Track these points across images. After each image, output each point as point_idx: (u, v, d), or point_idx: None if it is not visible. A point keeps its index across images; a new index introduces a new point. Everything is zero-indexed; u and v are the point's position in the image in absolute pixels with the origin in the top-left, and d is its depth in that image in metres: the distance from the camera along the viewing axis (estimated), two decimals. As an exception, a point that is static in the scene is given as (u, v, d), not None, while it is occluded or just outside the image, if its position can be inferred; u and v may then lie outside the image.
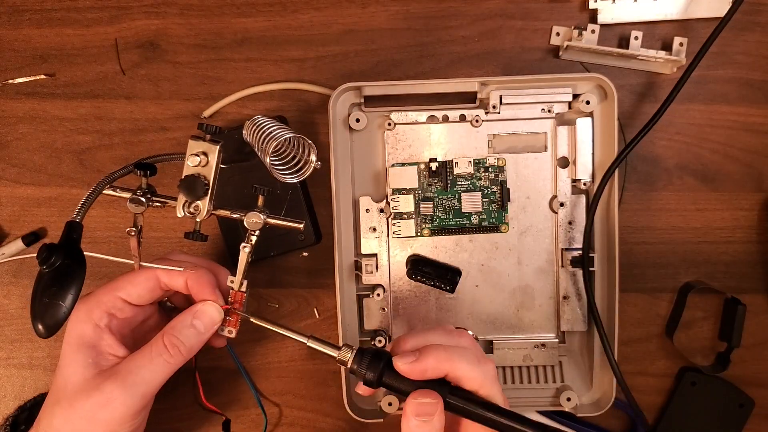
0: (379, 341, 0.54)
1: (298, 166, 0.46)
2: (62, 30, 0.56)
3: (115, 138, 0.57)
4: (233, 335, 0.46)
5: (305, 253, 0.57)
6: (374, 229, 0.54)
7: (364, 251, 0.55)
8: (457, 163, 0.53)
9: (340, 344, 0.43)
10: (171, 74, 0.56)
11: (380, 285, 0.55)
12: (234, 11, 0.56)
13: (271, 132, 0.44)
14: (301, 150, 0.47)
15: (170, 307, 0.51)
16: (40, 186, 0.57)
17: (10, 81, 0.57)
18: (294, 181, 0.46)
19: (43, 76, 0.56)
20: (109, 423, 0.41)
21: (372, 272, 0.54)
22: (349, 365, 0.42)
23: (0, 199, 0.58)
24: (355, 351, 0.42)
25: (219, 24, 0.56)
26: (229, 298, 0.46)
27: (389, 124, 0.53)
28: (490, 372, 0.41)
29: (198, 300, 0.45)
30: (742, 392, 0.56)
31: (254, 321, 0.45)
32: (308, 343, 0.43)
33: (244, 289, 0.46)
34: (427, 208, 0.54)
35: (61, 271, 0.41)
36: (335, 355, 0.42)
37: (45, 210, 0.58)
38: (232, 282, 0.46)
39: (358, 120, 0.53)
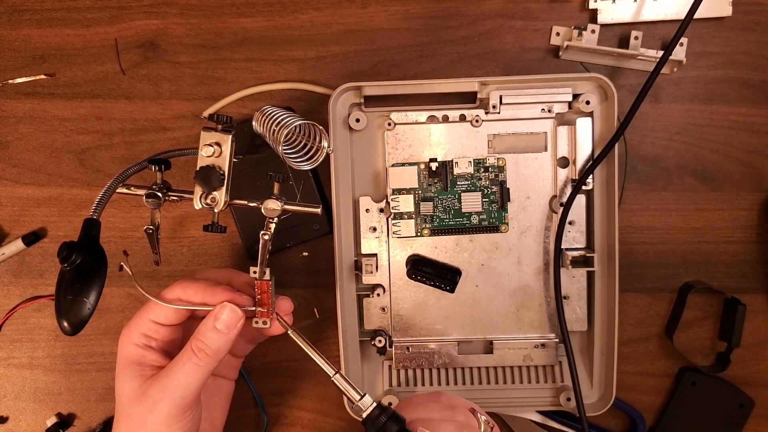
0: (379, 341, 0.54)
1: (311, 153, 0.46)
2: (62, 30, 0.56)
3: (115, 138, 0.57)
4: (269, 326, 0.46)
5: (305, 254, 0.57)
6: (374, 229, 0.55)
7: (364, 251, 0.55)
8: (457, 163, 0.53)
9: (363, 391, 0.43)
10: (171, 74, 0.56)
11: (380, 285, 0.55)
12: (234, 11, 0.56)
13: (281, 120, 0.44)
14: (312, 136, 0.47)
15: None
16: (40, 186, 0.57)
17: (10, 81, 0.57)
18: (307, 167, 0.46)
19: (43, 76, 0.56)
20: (158, 425, 0.43)
21: (372, 272, 0.54)
22: (364, 416, 0.42)
23: (0, 199, 0.58)
24: (374, 405, 0.42)
25: (219, 24, 0.56)
26: (255, 290, 0.46)
27: (389, 124, 0.53)
28: None
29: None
30: (742, 392, 0.56)
31: (291, 335, 0.46)
32: (333, 378, 0.44)
33: (267, 277, 0.46)
34: (427, 208, 0.54)
35: (82, 269, 0.42)
36: (354, 400, 0.43)
37: (45, 210, 0.58)
38: (254, 273, 0.45)
39: (358, 120, 0.53)
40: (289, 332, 0.46)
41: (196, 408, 0.45)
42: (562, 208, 0.54)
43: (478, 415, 0.44)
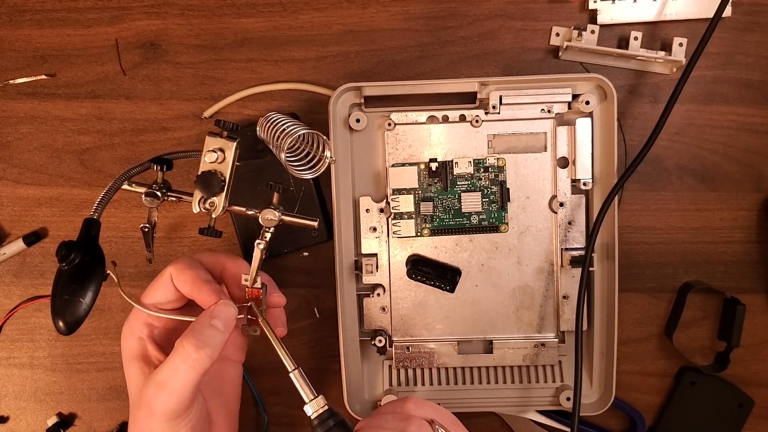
0: (379, 341, 0.54)
1: (313, 162, 0.47)
2: (63, 30, 0.56)
3: (116, 138, 0.57)
4: (258, 333, 0.46)
5: (305, 253, 0.57)
6: (374, 229, 0.55)
7: (364, 251, 0.55)
8: (457, 163, 0.54)
9: (318, 393, 0.43)
10: (171, 74, 0.56)
11: (380, 285, 0.55)
12: (234, 12, 0.56)
13: (285, 129, 0.44)
14: (315, 146, 0.47)
15: None
16: (41, 186, 0.57)
17: (11, 81, 0.57)
18: (309, 176, 0.46)
19: (44, 77, 0.57)
20: (160, 430, 0.42)
21: (372, 272, 0.54)
22: (312, 417, 0.42)
23: (1, 199, 0.58)
24: (324, 409, 0.42)
25: (219, 24, 0.56)
26: (246, 296, 0.46)
27: (389, 125, 0.53)
28: None
29: (201, 303, 0.45)
30: (742, 392, 0.56)
31: (261, 324, 0.45)
32: (291, 374, 0.44)
33: (258, 285, 0.46)
34: (427, 208, 0.54)
35: (80, 268, 0.42)
36: (306, 399, 0.43)
37: (46, 210, 0.58)
38: (246, 280, 0.45)
39: (358, 120, 0.53)
40: (259, 320, 0.45)
41: (197, 404, 0.43)
42: (561, 208, 0.54)
43: (436, 426, 0.42)
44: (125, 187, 0.46)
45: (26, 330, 0.59)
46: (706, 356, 0.57)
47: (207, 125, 0.56)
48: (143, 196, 0.46)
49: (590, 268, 0.53)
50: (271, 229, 0.45)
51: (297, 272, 0.58)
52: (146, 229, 0.47)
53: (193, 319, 0.43)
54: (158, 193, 0.46)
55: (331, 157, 0.46)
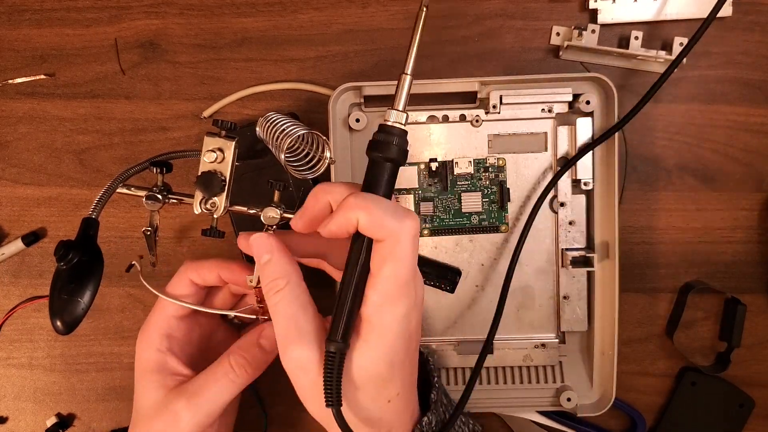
0: (379, 341, 0.54)
1: (313, 162, 0.47)
2: (62, 30, 0.56)
3: (115, 138, 0.57)
4: None
5: (305, 253, 0.57)
6: (374, 229, 0.54)
7: (364, 251, 0.55)
8: (457, 163, 0.53)
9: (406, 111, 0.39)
10: (171, 74, 0.56)
11: (380, 285, 0.55)
12: (234, 11, 0.56)
13: (284, 129, 0.44)
14: (315, 146, 0.47)
15: (238, 323, 0.51)
16: (40, 186, 0.57)
17: (10, 81, 0.57)
18: (309, 176, 0.46)
19: (43, 76, 0.56)
20: None
21: (372, 272, 0.54)
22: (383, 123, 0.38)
23: (0, 199, 0.58)
24: (401, 127, 0.38)
25: (219, 24, 0.56)
26: (256, 296, 0.46)
27: (389, 124, 0.53)
28: (411, 229, 0.36)
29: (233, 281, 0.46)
30: (742, 392, 0.56)
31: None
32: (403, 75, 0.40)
33: None
34: (427, 208, 0.54)
35: (78, 268, 0.42)
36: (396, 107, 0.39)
37: (45, 210, 0.58)
38: (251, 281, 0.45)
39: (358, 120, 0.53)
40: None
41: (218, 421, 0.43)
42: (561, 208, 0.54)
43: None
44: (126, 191, 0.46)
45: (25, 330, 0.58)
46: (706, 356, 0.57)
47: (206, 125, 0.56)
48: (144, 199, 0.46)
49: (590, 268, 0.53)
50: (274, 227, 0.45)
51: (297, 272, 0.57)
52: (148, 233, 0.47)
53: (229, 312, 0.45)
54: (159, 196, 0.46)
55: (330, 157, 0.46)
